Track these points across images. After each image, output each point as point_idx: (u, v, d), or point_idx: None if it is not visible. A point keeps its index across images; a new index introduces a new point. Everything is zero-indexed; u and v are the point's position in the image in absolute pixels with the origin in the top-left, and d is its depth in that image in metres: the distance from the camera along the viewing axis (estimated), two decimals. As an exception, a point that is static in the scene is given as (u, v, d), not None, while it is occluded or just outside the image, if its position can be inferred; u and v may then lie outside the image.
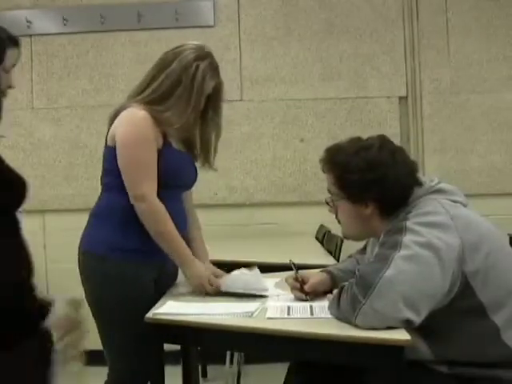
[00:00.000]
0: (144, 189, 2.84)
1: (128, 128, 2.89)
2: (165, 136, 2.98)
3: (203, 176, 5.82)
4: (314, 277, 2.80)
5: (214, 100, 3.14)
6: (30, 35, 5.74)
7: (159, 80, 2.97)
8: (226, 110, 5.72)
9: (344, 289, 2.33)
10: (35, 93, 5.74)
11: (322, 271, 2.88)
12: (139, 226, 2.85)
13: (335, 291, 2.42)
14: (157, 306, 2.68)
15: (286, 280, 2.82)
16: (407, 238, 2.28)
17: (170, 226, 2.87)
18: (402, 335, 2.14)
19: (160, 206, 2.85)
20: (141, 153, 2.86)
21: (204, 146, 3.20)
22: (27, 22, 5.71)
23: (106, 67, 5.77)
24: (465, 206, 2.48)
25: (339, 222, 2.69)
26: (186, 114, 2.98)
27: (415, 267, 2.22)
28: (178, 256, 2.91)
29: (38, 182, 5.57)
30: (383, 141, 2.58)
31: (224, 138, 5.73)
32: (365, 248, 2.89)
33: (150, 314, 2.51)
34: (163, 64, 3.01)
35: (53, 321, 1.91)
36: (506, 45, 5.80)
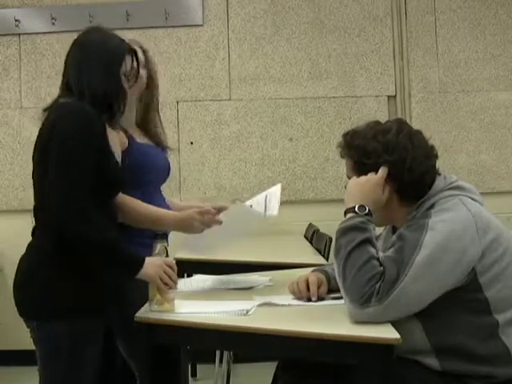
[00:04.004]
0: None
1: None
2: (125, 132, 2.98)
3: (192, 175, 5.82)
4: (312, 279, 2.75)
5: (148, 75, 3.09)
6: (19, 34, 5.73)
7: None
8: (215, 109, 5.77)
9: (367, 259, 2.30)
10: (24, 92, 5.72)
11: (315, 271, 2.83)
12: None
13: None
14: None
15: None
16: (428, 238, 2.29)
17: (141, 209, 2.86)
18: (391, 333, 2.14)
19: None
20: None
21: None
22: (15, 20, 5.70)
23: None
24: (482, 205, 2.49)
25: None
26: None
27: (431, 273, 2.26)
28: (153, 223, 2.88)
29: (27, 182, 5.55)
30: (401, 124, 2.57)
31: (213, 136, 5.79)
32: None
33: (139, 314, 2.50)
34: None
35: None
36: (494, 44, 5.82)
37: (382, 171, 2.47)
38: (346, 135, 2.59)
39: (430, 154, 2.55)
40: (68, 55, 2.59)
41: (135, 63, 2.66)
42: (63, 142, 2.38)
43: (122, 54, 2.60)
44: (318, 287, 2.67)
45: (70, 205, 2.33)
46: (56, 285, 2.41)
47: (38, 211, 2.51)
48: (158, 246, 2.52)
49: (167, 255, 2.54)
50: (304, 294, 2.65)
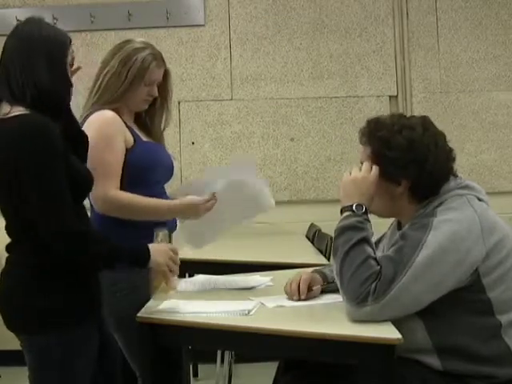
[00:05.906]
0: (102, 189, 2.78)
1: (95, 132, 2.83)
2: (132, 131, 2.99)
3: (194, 176, 5.82)
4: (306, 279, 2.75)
5: (163, 88, 3.09)
6: (20, 34, 5.72)
7: (100, 78, 3.01)
8: (217, 109, 5.77)
9: (364, 259, 2.31)
10: (25, 92, 5.72)
11: (313, 271, 2.83)
12: None
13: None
14: (153, 304, 2.64)
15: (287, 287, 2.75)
16: (430, 238, 2.29)
17: (142, 202, 2.85)
18: (392, 333, 2.14)
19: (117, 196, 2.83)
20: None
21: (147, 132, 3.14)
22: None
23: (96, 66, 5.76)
24: (488, 205, 2.49)
25: None
26: (135, 102, 3.01)
27: (432, 273, 2.26)
28: (167, 214, 2.92)
29: None
30: (427, 123, 2.54)
31: (214, 136, 5.80)
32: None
33: (141, 314, 2.50)
34: (104, 63, 3.03)
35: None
36: (496, 44, 5.82)
37: (376, 170, 2.47)
38: (369, 122, 2.56)
39: (450, 157, 2.54)
40: (5, 50, 2.37)
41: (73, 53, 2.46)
42: (28, 168, 2.22)
43: (66, 44, 2.43)
44: (310, 287, 2.67)
45: (67, 236, 2.24)
46: (41, 298, 2.29)
47: (14, 230, 2.36)
48: (160, 234, 2.50)
49: (170, 241, 2.53)
50: (295, 294, 2.65)
